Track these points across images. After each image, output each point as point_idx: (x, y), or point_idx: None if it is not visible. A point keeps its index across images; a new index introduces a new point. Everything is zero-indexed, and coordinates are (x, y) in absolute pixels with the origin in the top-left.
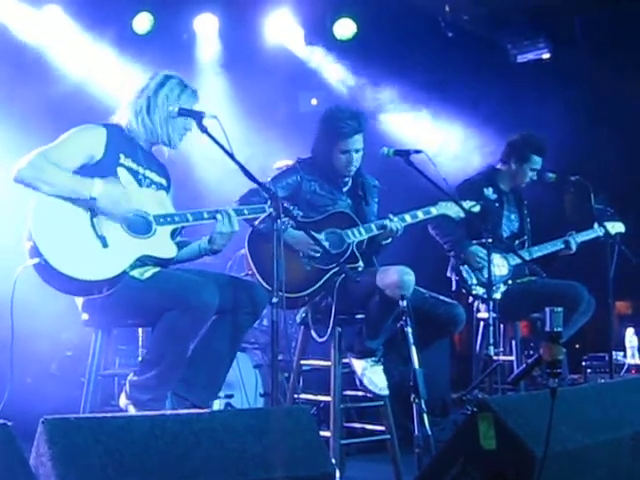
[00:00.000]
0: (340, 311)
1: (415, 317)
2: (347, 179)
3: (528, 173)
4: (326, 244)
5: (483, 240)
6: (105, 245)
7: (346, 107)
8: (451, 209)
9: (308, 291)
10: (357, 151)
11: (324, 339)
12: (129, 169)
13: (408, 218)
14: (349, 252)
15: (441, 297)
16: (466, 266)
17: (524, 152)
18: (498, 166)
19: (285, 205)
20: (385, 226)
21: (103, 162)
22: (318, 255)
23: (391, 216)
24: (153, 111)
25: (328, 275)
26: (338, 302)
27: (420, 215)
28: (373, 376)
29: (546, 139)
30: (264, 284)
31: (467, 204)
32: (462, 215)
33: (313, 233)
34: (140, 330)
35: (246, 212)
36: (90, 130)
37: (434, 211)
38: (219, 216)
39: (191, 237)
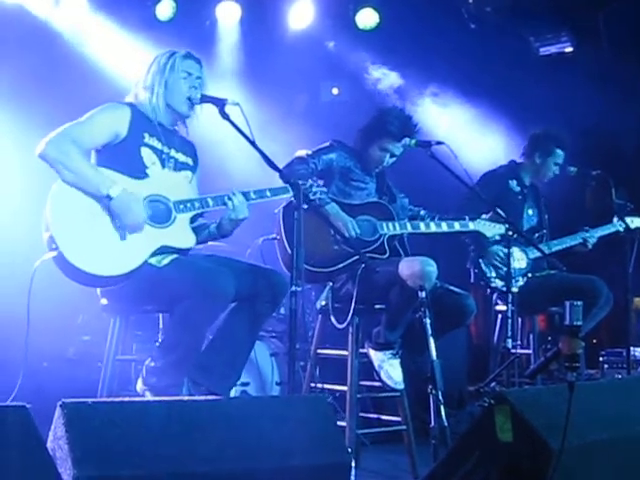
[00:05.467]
0: (360, 300)
1: None
2: (372, 173)
3: (552, 167)
4: (358, 231)
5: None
6: (123, 237)
7: (409, 115)
8: (488, 229)
9: (329, 269)
10: (392, 156)
11: (343, 325)
12: (153, 148)
13: (444, 226)
14: (379, 242)
15: (451, 287)
16: (485, 260)
17: (548, 146)
18: (520, 160)
19: (305, 190)
20: (418, 228)
21: (127, 141)
22: (348, 236)
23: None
24: (164, 83)
25: (350, 260)
26: (359, 290)
27: (457, 226)
28: (390, 369)
29: (567, 133)
30: (288, 250)
31: (498, 227)
32: (497, 237)
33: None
34: (160, 316)
35: (268, 194)
36: (115, 108)
37: (471, 226)
38: (229, 203)
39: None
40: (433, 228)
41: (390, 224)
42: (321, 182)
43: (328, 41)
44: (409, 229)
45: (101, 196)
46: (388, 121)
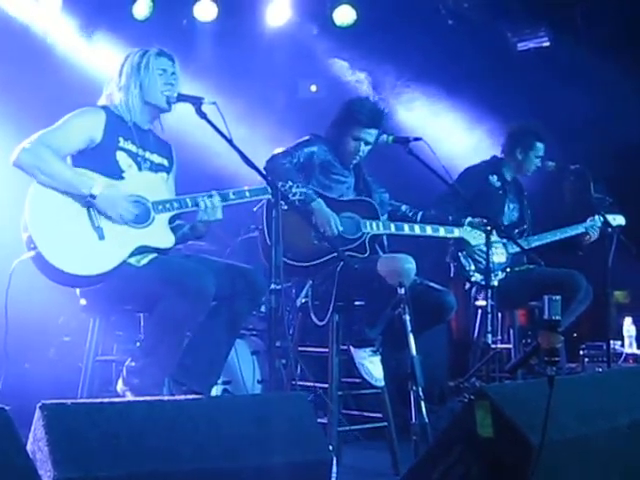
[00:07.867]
0: (339, 297)
1: None
2: (350, 167)
3: (535, 161)
4: (340, 228)
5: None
6: (102, 237)
7: (374, 102)
8: (473, 237)
9: (307, 264)
10: (366, 143)
11: (323, 323)
12: (128, 152)
13: (429, 230)
14: (360, 241)
15: (431, 284)
16: (465, 253)
17: (528, 140)
18: (501, 156)
19: (285, 189)
20: (402, 229)
21: (102, 146)
22: (329, 234)
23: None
24: (139, 84)
25: (329, 257)
26: (338, 287)
27: (441, 232)
28: (370, 366)
29: (542, 125)
30: (269, 242)
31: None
32: (483, 247)
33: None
34: (141, 316)
35: (248, 195)
36: (89, 113)
37: (457, 233)
38: (202, 204)
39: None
40: (417, 231)
41: (374, 223)
42: (301, 175)
43: (305, 38)
44: (393, 230)
45: (84, 196)
46: (355, 109)
